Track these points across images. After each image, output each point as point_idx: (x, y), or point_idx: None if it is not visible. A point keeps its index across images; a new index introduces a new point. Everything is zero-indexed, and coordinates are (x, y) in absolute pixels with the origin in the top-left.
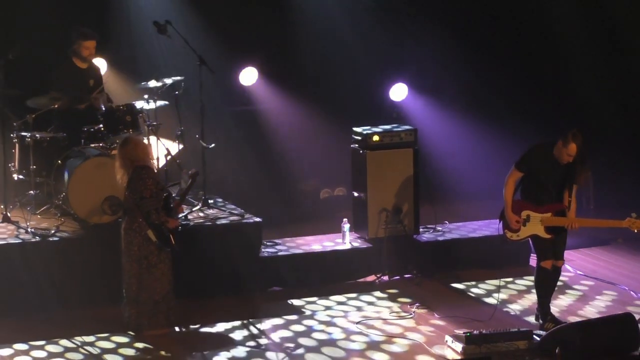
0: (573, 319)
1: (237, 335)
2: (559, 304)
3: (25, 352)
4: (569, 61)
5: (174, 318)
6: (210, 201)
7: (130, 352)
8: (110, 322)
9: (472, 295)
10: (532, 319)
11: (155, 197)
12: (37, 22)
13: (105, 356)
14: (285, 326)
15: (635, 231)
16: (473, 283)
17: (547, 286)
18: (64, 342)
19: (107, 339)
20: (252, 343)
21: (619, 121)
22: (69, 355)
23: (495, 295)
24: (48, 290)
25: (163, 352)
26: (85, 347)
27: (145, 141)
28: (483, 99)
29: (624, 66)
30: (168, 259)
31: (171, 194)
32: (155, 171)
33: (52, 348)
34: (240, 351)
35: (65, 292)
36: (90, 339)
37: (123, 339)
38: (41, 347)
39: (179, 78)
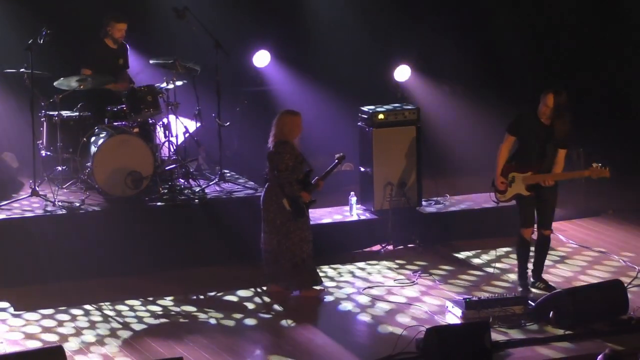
0: (565, 285)
1: (250, 301)
2: (552, 271)
3: (50, 316)
4: (567, 37)
5: (312, 280)
6: (226, 176)
7: (149, 317)
8: (130, 290)
9: (471, 263)
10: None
11: (291, 171)
12: (64, 7)
13: (126, 321)
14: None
15: (595, 178)
16: (472, 252)
17: (524, 254)
18: (86, 308)
19: (128, 305)
20: (264, 308)
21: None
22: (93, 318)
23: (493, 263)
24: (73, 260)
25: (180, 319)
26: (111, 313)
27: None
28: (482, 78)
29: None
30: (306, 226)
31: (312, 171)
32: (296, 147)
33: (76, 312)
34: (253, 317)
35: (89, 261)
36: (121, 306)
37: (147, 305)
38: (65, 312)
39: (196, 65)
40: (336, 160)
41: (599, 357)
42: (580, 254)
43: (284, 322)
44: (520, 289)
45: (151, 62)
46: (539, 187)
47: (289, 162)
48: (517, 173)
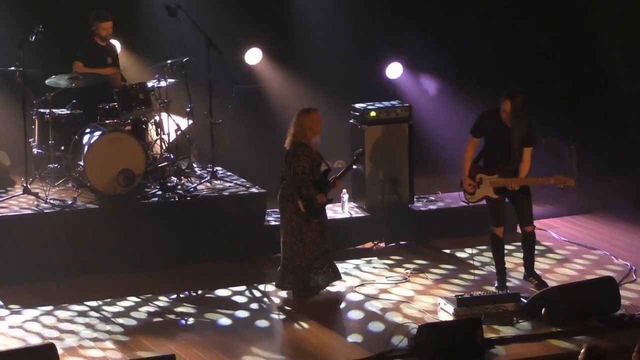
0: (558, 281)
1: (242, 298)
2: (544, 268)
3: (41, 314)
4: (560, 33)
5: (320, 283)
6: (218, 173)
7: (141, 315)
8: (122, 288)
9: (463, 260)
10: (518, 281)
11: (307, 174)
12: (56, 5)
13: (118, 319)
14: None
15: (561, 187)
16: (464, 249)
17: (498, 251)
18: (78, 306)
19: (120, 303)
20: (255, 306)
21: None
22: (84, 316)
23: (485, 260)
24: (65, 258)
25: (172, 316)
26: (103, 310)
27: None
28: (473, 75)
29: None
30: (317, 228)
31: (330, 170)
32: (313, 149)
33: (68, 310)
34: (245, 313)
35: (81, 259)
36: (113, 304)
37: (139, 302)
38: (56, 310)
39: (187, 59)
40: (354, 157)
41: (582, 351)
42: (572, 250)
43: (277, 320)
44: (496, 285)
45: (149, 68)
46: (507, 189)
47: (306, 164)
48: (485, 175)
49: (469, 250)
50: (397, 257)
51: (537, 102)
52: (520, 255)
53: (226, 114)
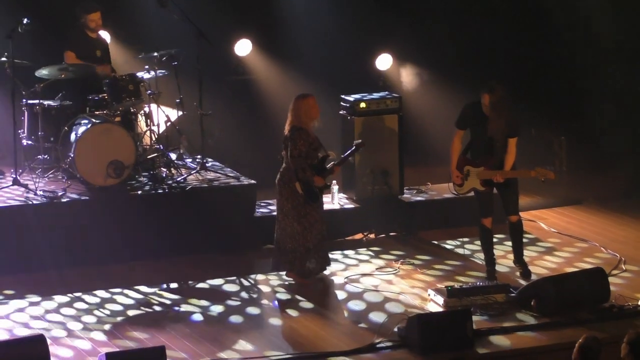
0: (547, 272)
1: (232, 289)
2: (533, 259)
3: (32, 305)
4: (552, 28)
5: (319, 267)
6: (208, 164)
7: (130, 306)
8: (112, 279)
9: (453, 251)
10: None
11: (304, 157)
12: None
13: (107, 310)
14: (277, 280)
15: (542, 180)
16: (454, 240)
17: (486, 242)
18: (66, 297)
19: (109, 293)
20: (245, 296)
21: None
22: (74, 307)
23: (476, 251)
24: (54, 249)
25: (159, 308)
26: (93, 302)
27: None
28: (464, 66)
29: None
30: (317, 211)
31: (328, 156)
32: (311, 133)
33: (58, 301)
34: (234, 304)
35: (70, 250)
36: (103, 295)
37: (129, 294)
38: (47, 301)
39: (177, 50)
40: (354, 147)
41: (579, 341)
42: (560, 241)
43: (266, 311)
44: (486, 276)
45: (138, 57)
46: (493, 181)
47: (302, 147)
48: (472, 167)
49: (456, 243)
50: (387, 248)
51: (528, 94)
52: (508, 245)
53: (216, 105)
